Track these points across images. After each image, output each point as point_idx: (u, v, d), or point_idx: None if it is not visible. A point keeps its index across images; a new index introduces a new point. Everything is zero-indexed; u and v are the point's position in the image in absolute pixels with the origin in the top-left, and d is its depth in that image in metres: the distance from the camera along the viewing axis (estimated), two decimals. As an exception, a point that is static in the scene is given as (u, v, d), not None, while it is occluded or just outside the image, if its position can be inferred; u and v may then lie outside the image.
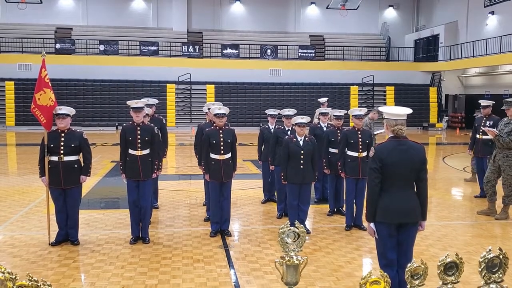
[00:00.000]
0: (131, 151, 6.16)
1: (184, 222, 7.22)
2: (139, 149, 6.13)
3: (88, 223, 7.08)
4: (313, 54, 28.06)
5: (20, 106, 24.23)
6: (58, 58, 25.27)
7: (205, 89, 26.21)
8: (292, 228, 2.65)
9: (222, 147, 6.36)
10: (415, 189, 4.12)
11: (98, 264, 5.43)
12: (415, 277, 2.73)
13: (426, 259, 4.35)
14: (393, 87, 27.73)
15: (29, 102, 24.58)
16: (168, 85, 25.92)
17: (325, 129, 7.98)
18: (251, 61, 27.37)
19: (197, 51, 27.20)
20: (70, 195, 6.02)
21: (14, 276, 2.44)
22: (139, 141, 6.12)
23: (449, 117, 28.30)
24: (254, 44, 27.91)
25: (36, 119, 6.03)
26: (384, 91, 27.88)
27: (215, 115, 6.42)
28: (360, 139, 6.86)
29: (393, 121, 4.01)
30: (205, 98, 25.66)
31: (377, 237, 4.07)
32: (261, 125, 9.52)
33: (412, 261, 2.74)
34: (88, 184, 9.65)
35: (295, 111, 7.78)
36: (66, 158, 5.90)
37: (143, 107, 6.26)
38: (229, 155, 6.45)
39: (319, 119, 8.34)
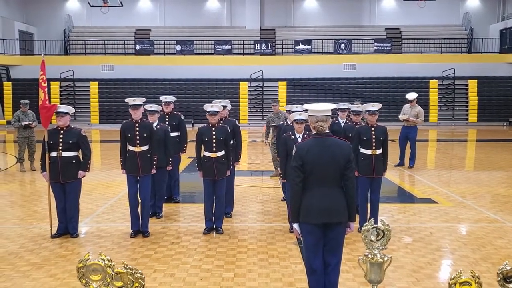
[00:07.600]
0: (130, 147, 6.36)
1: (257, 218, 7.29)
2: (138, 145, 6.30)
3: (168, 216, 7.36)
4: (390, 47, 27.17)
5: (104, 105, 25.71)
6: (137, 59, 26.54)
7: (277, 86, 26.28)
8: (376, 226, 2.57)
9: (214, 145, 6.37)
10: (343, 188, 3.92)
11: (178, 256, 5.62)
12: (508, 280, 2.54)
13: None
14: (476, 80, 26.16)
15: (112, 101, 25.84)
16: (241, 83, 26.30)
17: (342, 125, 7.78)
18: (324, 56, 27.04)
19: (269, 48, 27.34)
20: (69, 189, 6.25)
21: (113, 264, 2.57)
22: (137, 137, 6.29)
23: (540, 111, 26.22)
24: (327, 39, 27.54)
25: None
26: (466, 85, 26.40)
27: (208, 112, 6.38)
28: (374, 136, 6.45)
29: (314, 118, 3.86)
30: (277, 95, 25.75)
31: (302, 238, 3.92)
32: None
33: (505, 263, 2.56)
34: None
35: (303, 107, 7.09)
36: (65, 154, 6.14)
37: (141, 104, 6.39)
38: (221, 152, 6.43)
39: (338, 115, 8.11)
